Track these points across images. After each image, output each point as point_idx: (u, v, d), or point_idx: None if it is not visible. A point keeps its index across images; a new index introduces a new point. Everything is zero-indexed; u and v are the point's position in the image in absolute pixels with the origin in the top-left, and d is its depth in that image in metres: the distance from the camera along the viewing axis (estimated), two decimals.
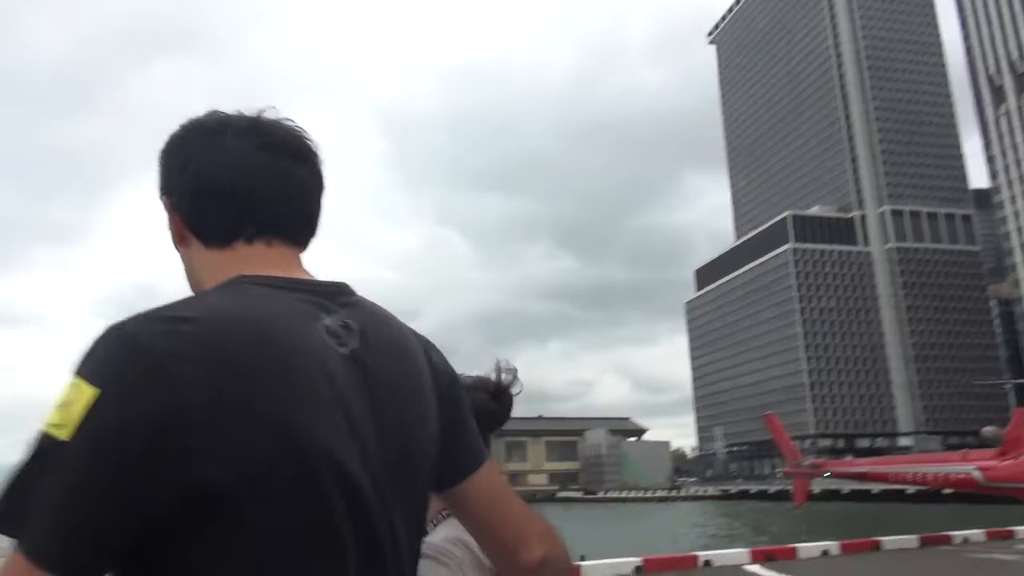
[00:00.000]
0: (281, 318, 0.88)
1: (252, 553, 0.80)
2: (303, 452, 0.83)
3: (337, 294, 0.97)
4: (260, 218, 0.97)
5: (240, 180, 0.96)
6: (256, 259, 0.96)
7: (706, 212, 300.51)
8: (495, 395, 1.31)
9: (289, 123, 1.03)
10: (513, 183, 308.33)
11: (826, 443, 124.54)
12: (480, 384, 1.30)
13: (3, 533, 0.74)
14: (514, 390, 1.35)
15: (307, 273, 0.99)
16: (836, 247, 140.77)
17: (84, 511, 0.73)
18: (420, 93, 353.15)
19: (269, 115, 1.02)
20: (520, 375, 1.38)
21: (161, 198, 1.01)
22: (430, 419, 0.99)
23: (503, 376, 1.34)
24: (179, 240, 1.00)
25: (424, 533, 1.03)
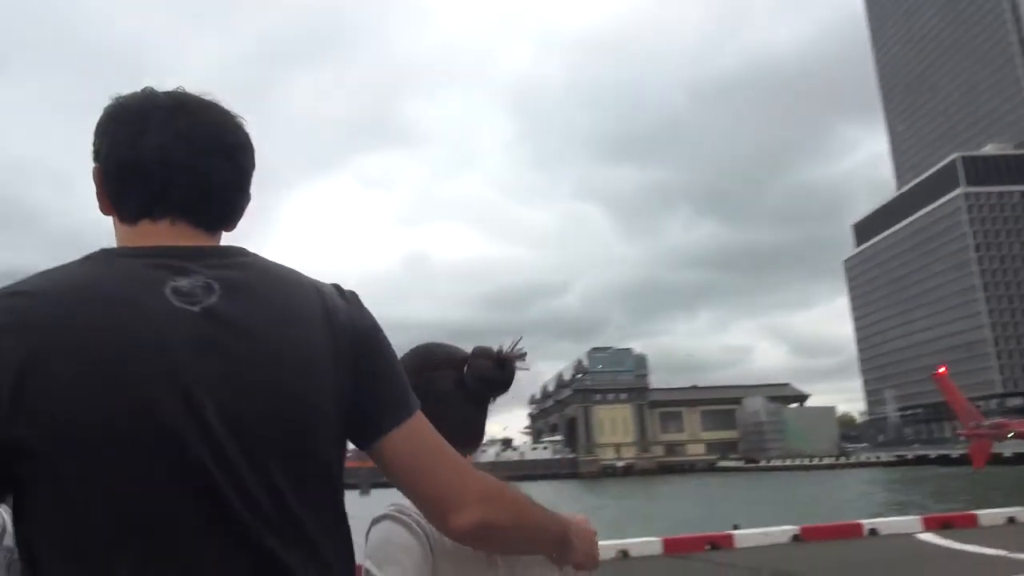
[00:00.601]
0: (119, 283, 0.91)
1: (69, 507, 0.85)
2: (112, 410, 0.85)
3: (206, 256, 0.98)
4: (169, 201, 1.00)
5: (154, 167, 0.99)
6: (152, 235, 0.99)
7: (861, 163, 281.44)
8: (498, 363, 1.32)
9: (213, 109, 1.05)
10: (648, 152, 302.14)
11: (1016, 402, 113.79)
12: (484, 352, 1.33)
13: None
14: (520, 363, 1.35)
15: (210, 247, 1.03)
16: (1016, 188, 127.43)
17: None
18: (547, 70, 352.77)
19: (195, 100, 1.05)
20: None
21: (93, 166, 1.04)
22: (316, 373, 0.96)
23: (509, 348, 1.34)
24: (104, 210, 1.05)
25: (332, 491, 1.00)
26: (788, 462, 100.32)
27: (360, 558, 1.10)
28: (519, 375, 1.35)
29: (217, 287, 0.95)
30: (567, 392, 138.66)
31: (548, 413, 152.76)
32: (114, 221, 1.04)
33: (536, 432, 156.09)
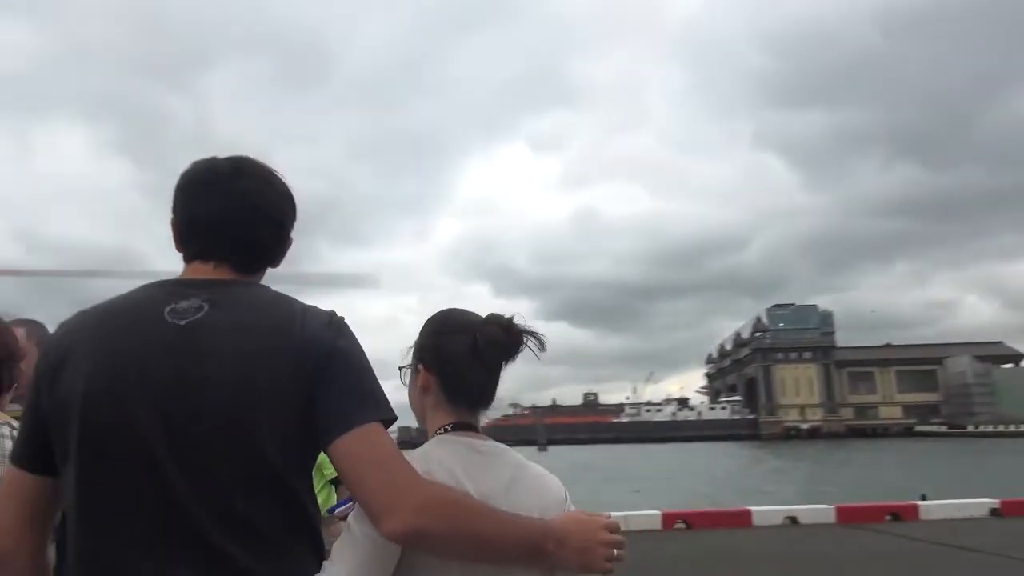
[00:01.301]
0: (138, 302, 1.25)
1: (74, 494, 1.15)
2: (86, 407, 1.14)
3: (213, 286, 1.27)
4: (215, 250, 1.32)
5: (206, 225, 1.32)
6: (197, 272, 1.32)
7: None
8: (506, 328, 1.42)
9: (258, 174, 1.37)
10: (836, 93, 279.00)
11: None
12: (494, 319, 1.44)
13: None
14: (527, 326, 1.44)
15: (217, 280, 1.30)
16: None
17: (24, 422, 1.25)
18: (720, 13, 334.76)
19: (246, 166, 1.37)
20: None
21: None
22: (263, 379, 1.16)
23: (515, 318, 1.44)
24: (177, 249, 1.37)
25: (289, 491, 1.18)
26: (1000, 428, 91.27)
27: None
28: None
29: (206, 307, 1.22)
30: (746, 351, 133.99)
31: (726, 373, 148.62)
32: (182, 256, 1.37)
33: (714, 392, 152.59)
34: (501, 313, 1.45)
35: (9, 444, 1.60)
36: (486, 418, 1.49)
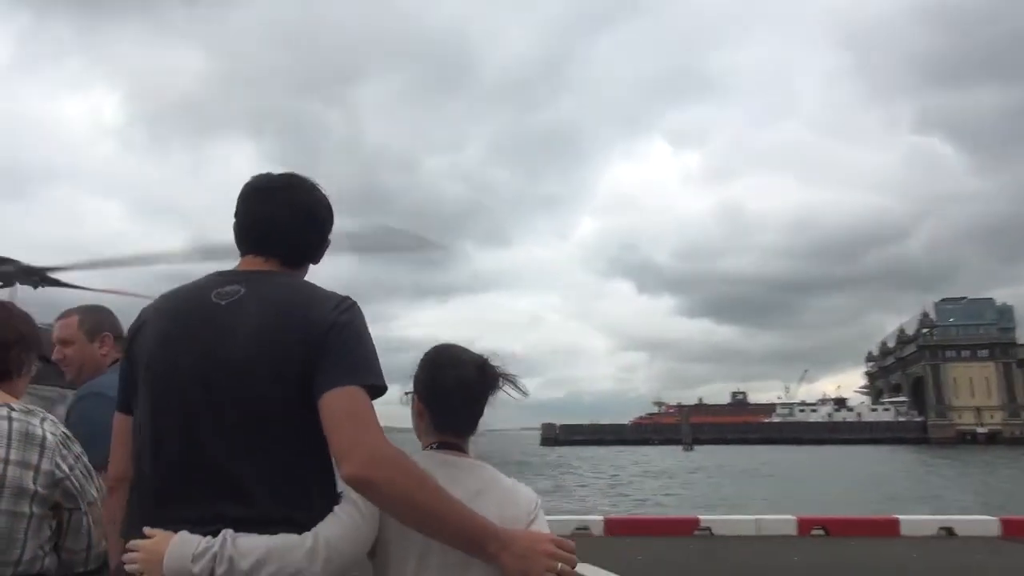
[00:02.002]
0: (195, 287, 1.61)
1: (139, 431, 1.54)
2: (143, 365, 1.54)
3: (250, 274, 1.62)
4: (252, 243, 1.68)
5: (257, 228, 1.68)
6: (249, 264, 1.67)
7: None
8: (480, 368, 1.67)
9: (301, 187, 1.71)
10: (1010, 67, 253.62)
11: None
12: (471, 359, 1.69)
13: None
14: (502, 369, 1.69)
15: (258, 270, 1.64)
16: None
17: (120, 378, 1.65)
18: None
19: (291, 181, 1.71)
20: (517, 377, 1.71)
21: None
22: (275, 346, 1.47)
23: (491, 359, 1.69)
24: (238, 247, 1.71)
25: (292, 433, 1.45)
26: None
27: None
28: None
29: (242, 291, 1.56)
30: (911, 349, 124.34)
31: (889, 371, 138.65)
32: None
33: (875, 392, 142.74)
34: (481, 354, 1.69)
35: (4, 427, 1.70)
36: (471, 443, 1.73)
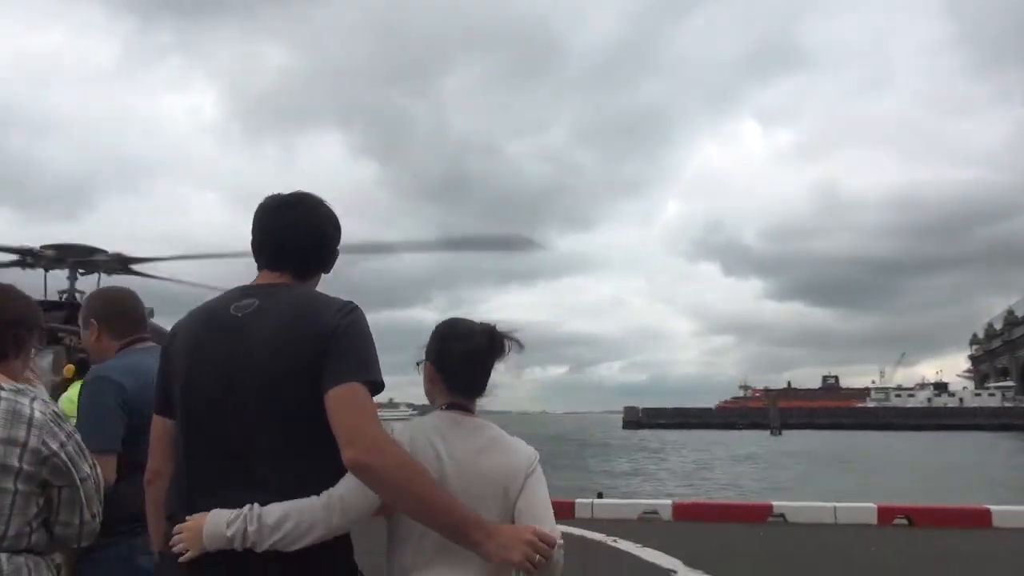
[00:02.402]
0: (217, 301, 1.82)
1: (178, 432, 1.77)
2: (175, 374, 1.77)
3: (265, 288, 1.82)
4: (278, 263, 1.86)
5: (270, 244, 1.87)
6: (264, 278, 1.86)
7: None
8: (490, 335, 1.87)
9: (307, 205, 1.89)
10: None
11: None
12: (482, 328, 1.89)
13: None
14: (508, 331, 1.89)
15: (273, 283, 1.83)
16: None
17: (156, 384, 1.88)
18: None
19: (301, 199, 1.89)
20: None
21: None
22: (288, 352, 1.67)
23: (498, 326, 1.89)
24: (256, 261, 1.91)
25: (306, 427, 1.65)
26: None
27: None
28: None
29: (257, 303, 1.76)
30: (1021, 331, 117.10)
31: (996, 355, 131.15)
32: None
33: (980, 376, 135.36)
34: (490, 322, 1.90)
35: (3, 405, 1.75)
36: (480, 405, 1.92)
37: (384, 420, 1.66)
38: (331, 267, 1.94)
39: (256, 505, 1.60)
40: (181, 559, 1.62)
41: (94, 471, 1.88)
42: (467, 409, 1.89)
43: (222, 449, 1.68)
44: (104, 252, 9.86)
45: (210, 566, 1.59)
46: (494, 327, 1.89)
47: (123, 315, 2.72)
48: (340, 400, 1.61)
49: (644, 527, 9.45)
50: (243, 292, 1.83)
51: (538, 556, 1.63)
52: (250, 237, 1.91)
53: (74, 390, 6.96)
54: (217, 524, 1.60)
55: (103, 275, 9.97)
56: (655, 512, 10.24)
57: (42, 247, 9.57)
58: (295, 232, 1.86)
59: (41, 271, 9.71)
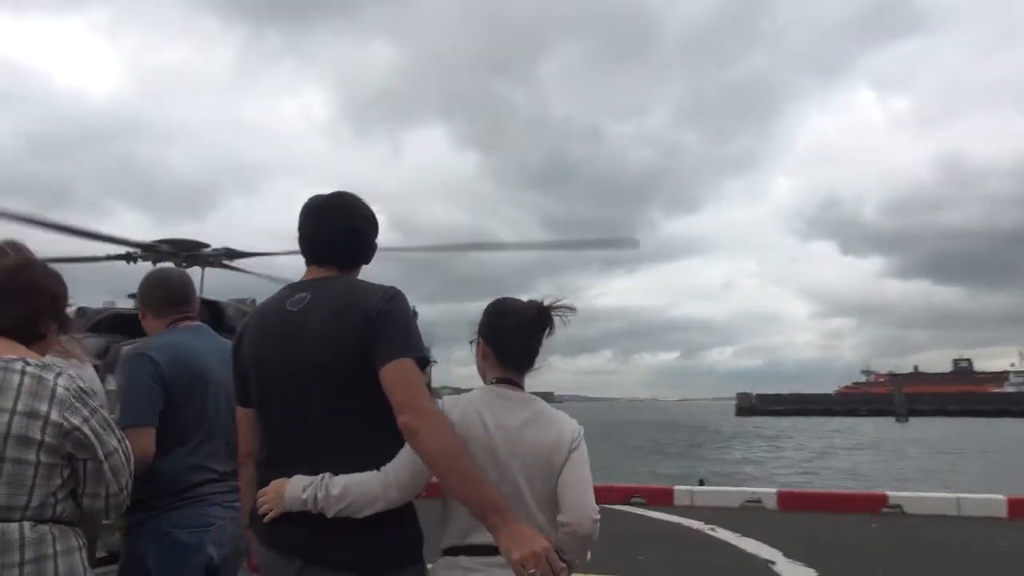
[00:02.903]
0: (274, 298, 2.07)
1: (257, 419, 2.03)
2: (247, 365, 2.02)
3: (314, 282, 2.03)
4: (322, 258, 2.07)
5: (315, 240, 2.08)
6: (311, 273, 2.08)
7: None
8: (539, 311, 2.03)
9: (345, 203, 2.10)
10: None
11: None
12: (532, 304, 2.04)
13: None
14: (558, 303, 2.03)
15: (322, 277, 2.04)
16: None
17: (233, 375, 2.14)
18: None
19: (341, 198, 2.10)
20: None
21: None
22: (341, 338, 1.87)
23: (546, 301, 2.04)
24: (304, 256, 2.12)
25: (360, 407, 1.86)
26: None
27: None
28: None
29: (309, 297, 1.98)
30: None
31: None
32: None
33: None
34: (538, 299, 2.05)
35: (16, 379, 1.79)
36: (528, 375, 2.06)
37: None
38: (370, 259, 2.16)
39: (328, 475, 1.82)
40: (265, 518, 1.88)
41: (122, 445, 1.91)
42: (516, 383, 2.02)
43: (291, 429, 1.93)
44: (208, 246, 10.33)
45: (292, 525, 1.85)
46: (542, 302, 2.04)
47: (163, 296, 2.80)
48: (393, 374, 1.82)
49: (746, 516, 9.08)
50: (295, 288, 2.05)
51: (534, 570, 1.69)
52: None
53: None
54: (295, 488, 1.84)
55: (209, 268, 10.44)
56: (759, 501, 9.83)
57: (153, 241, 10.12)
58: (334, 229, 2.07)
59: (150, 265, 10.28)
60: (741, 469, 26.10)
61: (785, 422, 75.03)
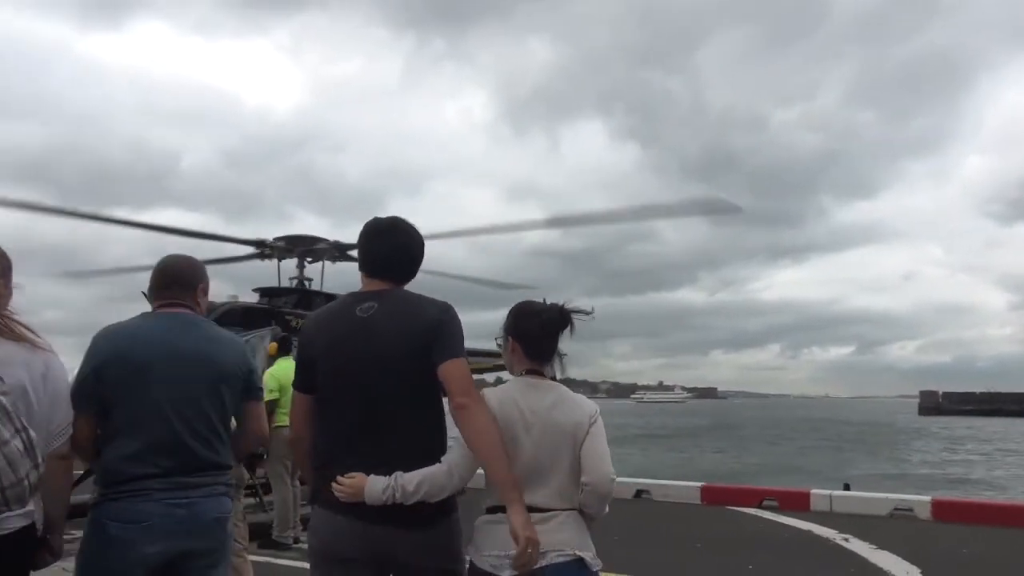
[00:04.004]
0: (341, 306, 2.45)
1: (318, 407, 2.40)
2: (321, 361, 2.38)
3: (378, 293, 2.42)
4: (381, 273, 2.46)
5: (377, 259, 2.47)
6: (370, 285, 2.46)
7: None
8: (560, 313, 2.45)
9: (402, 228, 2.51)
10: None
11: None
12: (553, 307, 2.45)
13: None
14: (576, 307, 2.47)
15: (384, 289, 2.43)
16: None
17: (298, 366, 2.51)
18: None
19: (397, 224, 2.51)
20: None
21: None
22: (407, 342, 2.31)
23: (566, 303, 2.47)
24: (361, 270, 2.52)
25: (425, 399, 2.34)
26: None
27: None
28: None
29: (376, 306, 2.38)
30: None
31: None
32: (361, 275, 2.53)
33: None
34: (558, 302, 2.47)
35: None
36: (549, 369, 2.46)
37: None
38: (415, 275, 2.56)
39: (399, 474, 2.22)
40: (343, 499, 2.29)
41: (22, 435, 1.88)
42: (541, 374, 2.43)
43: (361, 417, 2.33)
44: (325, 241, 10.71)
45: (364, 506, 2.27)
46: (563, 305, 2.46)
47: (155, 280, 2.72)
48: (452, 369, 2.31)
49: (891, 526, 8.11)
50: (360, 297, 2.46)
51: (531, 550, 2.13)
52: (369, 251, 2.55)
53: (277, 366, 7.59)
54: (375, 490, 2.21)
55: (327, 262, 10.82)
56: (910, 510, 8.74)
57: (274, 239, 10.63)
58: (398, 251, 2.50)
59: (275, 261, 10.79)
60: (913, 471, 23.80)
61: (976, 423, 67.99)
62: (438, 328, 2.31)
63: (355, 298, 2.43)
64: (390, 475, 2.20)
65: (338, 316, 2.42)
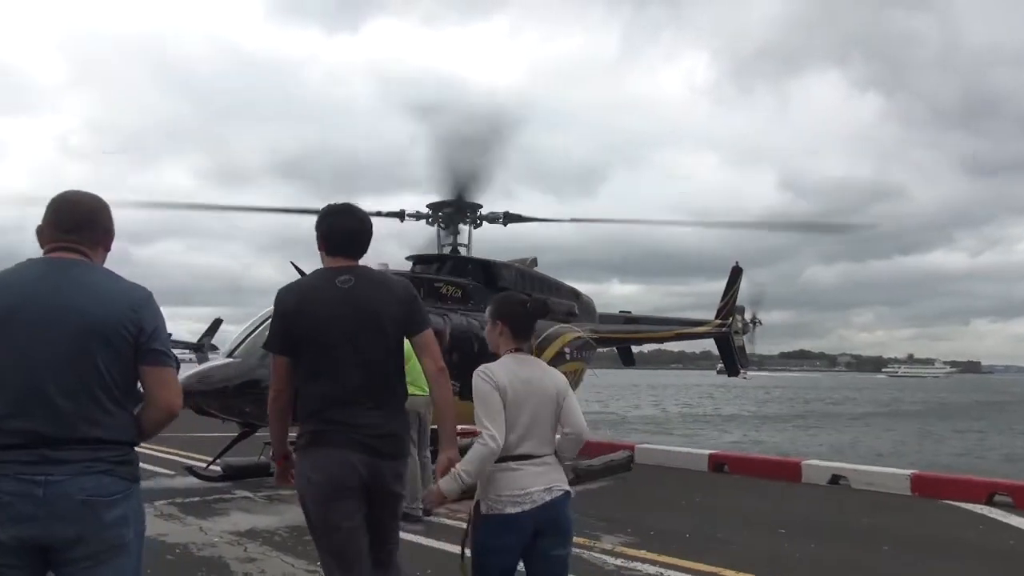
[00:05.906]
0: (320, 279, 3.01)
1: (307, 365, 2.90)
2: (312, 325, 2.88)
3: (349, 268, 2.98)
4: (343, 250, 3.02)
5: (328, 233, 3.04)
6: (336, 262, 3.01)
7: None
8: (542, 303, 3.44)
9: (358, 212, 3.10)
10: None
11: None
12: (529, 299, 3.26)
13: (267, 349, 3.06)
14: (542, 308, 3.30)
15: (352, 265, 3.00)
16: None
17: (279, 334, 2.98)
18: None
19: (354, 208, 3.10)
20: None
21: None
22: (388, 310, 2.92)
23: (536, 300, 3.33)
24: (319, 248, 3.06)
25: (397, 359, 2.99)
26: None
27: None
28: None
29: (353, 280, 2.93)
30: None
31: None
32: (321, 254, 3.06)
33: None
34: (530, 296, 3.84)
35: None
36: (529, 344, 3.14)
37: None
38: (367, 251, 3.06)
39: (457, 465, 2.83)
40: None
41: None
42: (525, 351, 3.06)
43: (356, 369, 2.83)
44: (480, 208, 10.43)
45: (358, 436, 2.84)
46: (540, 299, 3.83)
47: (49, 219, 2.34)
48: (428, 338, 3.02)
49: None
50: (334, 272, 2.95)
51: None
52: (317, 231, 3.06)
53: None
54: (450, 487, 2.83)
55: (485, 225, 10.54)
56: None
57: (428, 205, 10.49)
58: (361, 232, 3.03)
59: (433, 228, 10.70)
60: None
61: None
62: (413, 302, 3.00)
63: (330, 272, 2.97)
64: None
65: (321, 288, 2.95)
